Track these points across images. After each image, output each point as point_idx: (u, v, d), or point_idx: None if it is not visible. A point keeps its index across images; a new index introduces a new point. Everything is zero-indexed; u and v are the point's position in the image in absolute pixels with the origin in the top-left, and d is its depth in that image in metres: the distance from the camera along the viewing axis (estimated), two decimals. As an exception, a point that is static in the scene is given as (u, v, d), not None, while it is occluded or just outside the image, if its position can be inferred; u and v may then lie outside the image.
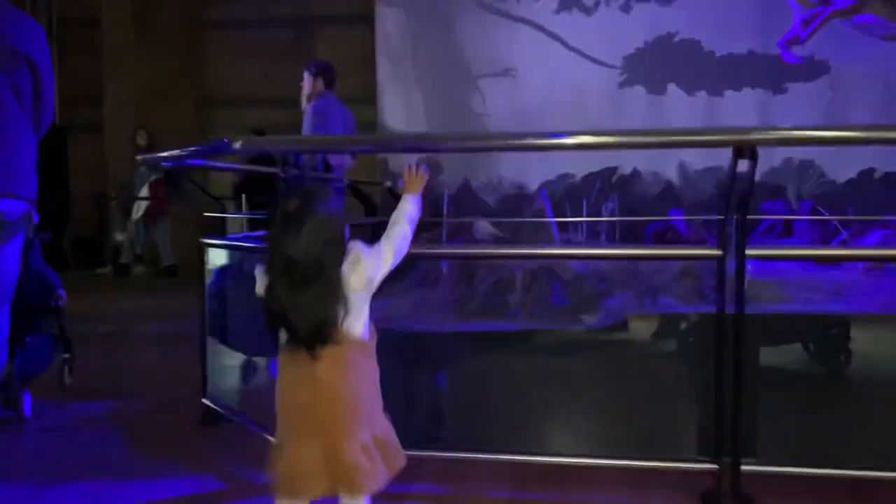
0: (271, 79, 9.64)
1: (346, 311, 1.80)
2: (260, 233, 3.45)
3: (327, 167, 5.91)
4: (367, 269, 1.85)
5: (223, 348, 3.64)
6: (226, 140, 2.69)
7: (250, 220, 4.95)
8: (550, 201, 5.71)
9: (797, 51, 4.98)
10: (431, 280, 4.02)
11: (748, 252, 2.54)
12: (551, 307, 3.68)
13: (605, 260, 3.72)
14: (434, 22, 9.48)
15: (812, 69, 8.30)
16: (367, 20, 9.75)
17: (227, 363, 3.73)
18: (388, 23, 9.60)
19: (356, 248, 1.86)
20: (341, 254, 1.83)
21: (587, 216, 6.91)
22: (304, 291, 1.76)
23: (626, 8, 9.02)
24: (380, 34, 9.61)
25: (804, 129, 2.46)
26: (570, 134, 2.40)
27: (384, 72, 9.61)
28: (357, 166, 6.66)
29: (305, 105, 5.81)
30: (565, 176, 8.85)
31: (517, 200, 8.68)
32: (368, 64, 9.64)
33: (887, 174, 8.25)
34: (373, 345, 1.92)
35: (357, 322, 1.85)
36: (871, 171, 8.33)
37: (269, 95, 9.57)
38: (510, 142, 2.65)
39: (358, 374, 1.87)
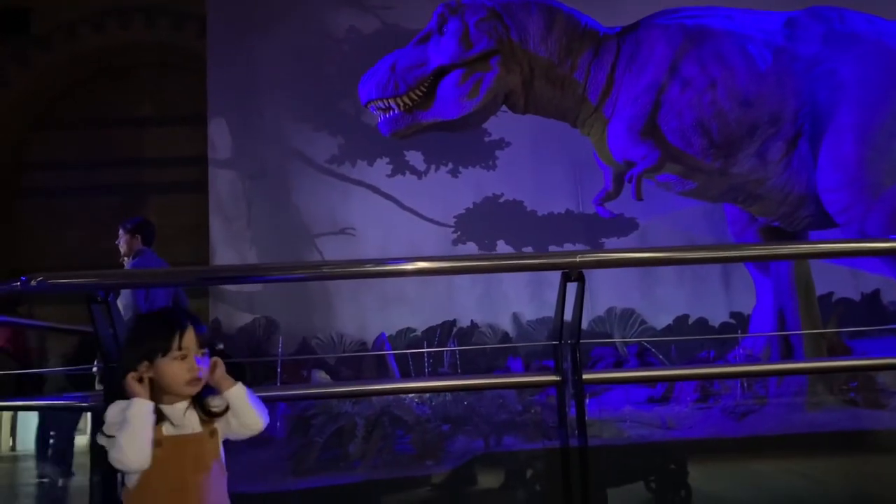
0: (99, 247, 9.13)
1: None
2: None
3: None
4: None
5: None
6: (23, 278, 2.40)
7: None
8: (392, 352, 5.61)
9: (611, 206, 5.42)
10: (262, 436, 3.70)
11: (585, 376, 2.55)
12: (395, 454, 3.47)
13: (445, 392, 3.62)
14: (269, 184, 9.56)
15: (623, 225, 9.14)
16: (198, 186, 9.65)
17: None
18: (222, 185, 9.56)
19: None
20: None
21: (428, 367, 6.85)
22: None
23: (454, 172, 9.60)
24: (213, 196, 9.51)
25: (627, 252, 2.58)
26: (408, 260, 2.37)
27: (217, 234, 9.43)
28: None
29: (126, 264, 5.51)
30: (406, 330, 8.86)
31: (357, 361, 8.50)
32: (201, 229, 9.44)
33: (699, 318, 8.98)
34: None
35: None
36: (686, 317, 9.05)
37: (95, 264, 8.99)
38: (348, 269, 2.55)
39: None
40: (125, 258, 5.60)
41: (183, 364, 1.92)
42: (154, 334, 1.94)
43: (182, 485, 1.89)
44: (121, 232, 5.63)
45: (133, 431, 1.83)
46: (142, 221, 5.78)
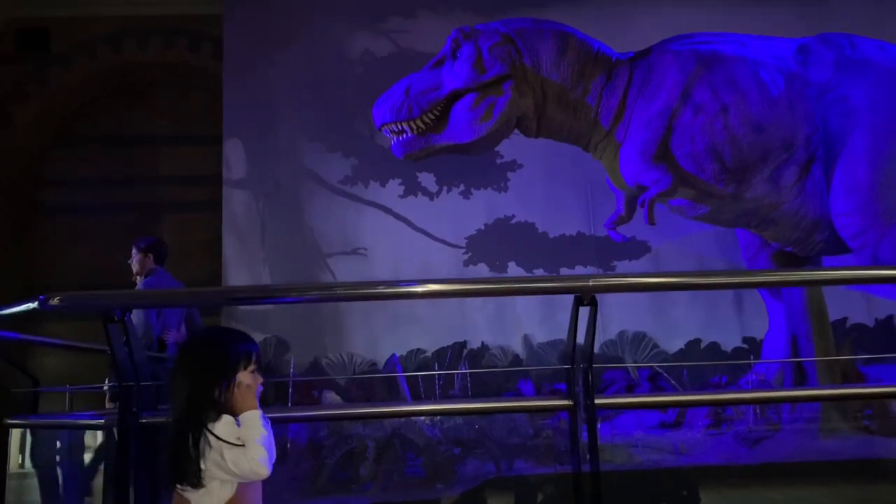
0: (114, 265, 9.21)
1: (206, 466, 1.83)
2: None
3: (162, 346, 5.55)
4: (234, 454, 1.85)
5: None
6: (41, 297, 2.43)
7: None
8: (403, 373, 5.61)
9: (623, 230, 5.43)
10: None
11: (598, 401, 2.55)
12: (405, 477, 3.46)
13: (456, 415, 3.62)
14: (282, 204, 9.62)
15: (635, 249, 9.13)
16: (213, 205, 9.73)
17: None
18: (236, 204, 9.64)
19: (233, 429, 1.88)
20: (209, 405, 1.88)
21: (439, 389, 6.85)
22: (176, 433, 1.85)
23: (466, 194, 9.63)
24: (226, 215, 9.58)
25: (640, 276, 2.59)
26: (419, 282, 2.39)
27: (230, 252, 9.49)
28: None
29: (138, 283, 5.55)
30: (417, 351, 8.86)
31: (368, 382, 8.50)
32: (214, 247, 9.50)
33: (711, 343, 8.92)
34: None
35: (223, 487, 1.86)
36: (698, 341, 9.00)
37: (108, 281, 9.07)
38: (360, 290, 2.58)
39: None
40: (137, 277, 5.64)
41: (256, 377, 1.99)
42: (239, 347, 1.98)
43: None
44: (133, 251, 5.67)
45: (270, 439, 1.89)
46: (155, 241, 5.82)
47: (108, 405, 4.97)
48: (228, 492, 1.87)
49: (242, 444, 1.85)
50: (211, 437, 1.86)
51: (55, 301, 2.40)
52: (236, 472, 1.84)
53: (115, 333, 2.48)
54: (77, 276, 9.74)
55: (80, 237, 10.19)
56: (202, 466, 1.84)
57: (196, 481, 1.84)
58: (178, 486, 1.88)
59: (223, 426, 1.88)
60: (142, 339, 4.19)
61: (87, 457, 4.95)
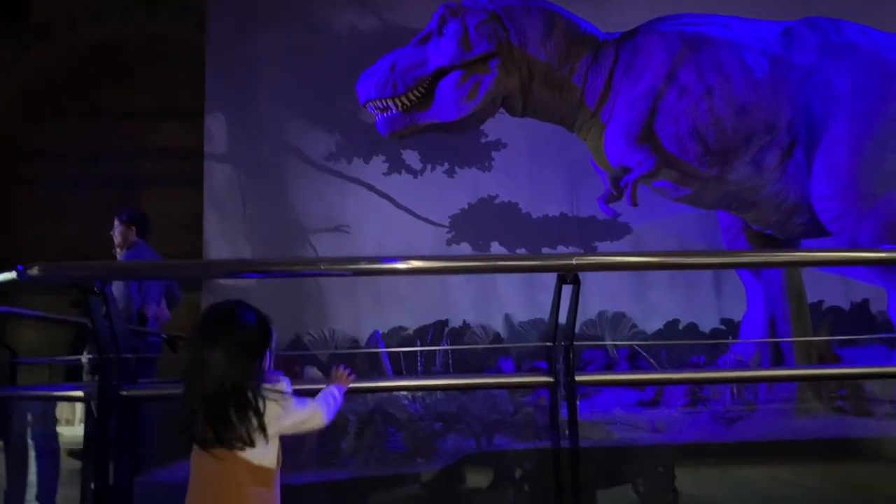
0: (95, 239, 9.11)
1: (256, 428, 1.97)
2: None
3: (142, 319, 5.52)
4: (284, 415, 2.06)
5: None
6: (20, 267, 2.41)
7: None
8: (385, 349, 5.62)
9: (615, 206, 5.44)
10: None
11: (578, 378, 2.58)
12: (386, 451, 3.49)
13: (438, 390, 3.64)
14: (265, 179, 9.56)
15: (617, 229, 9.19)
16: (194, 180, 9.64)
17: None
18: (218, 179, 9.56)
19: (284, 388, 2.08)
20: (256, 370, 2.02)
21: (421, 366, 6.89)
22: (218, 399, 1.95)
23: (450, 172, 9.62)
24: (208, 190, 9.51)
25: (624, 255, 2.61)
26: (402, 258, 2.39)
27: (211, 228, 9.43)
28: (174, 320, 6.25)
29: (119, 255, 5.51)
30: (399, 328, 8.89)
31: (350, 358, 8.52)
32: (195, 222, 9.43)
33: (689, 324, 9.02)
34: (276, 479, 2.10)
35: (266, 450, 2.03)
36: (676, 321, 9.09)
37: (89, 255, 8.97)
38: (343, 266, 2.58)
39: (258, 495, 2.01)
40: (119, 249, 5.60)
41: None
42: (268, 319, 2.16)
43: None
44: (116, 223, 5.62)
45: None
46: (138, 214, 5.77)
47: (84, 377, 4.94)
48: (276, 444, 2.09)
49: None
50: (271, 398, 2.02)
51: (34, 271, 2.38)
52: (300, 424, 2.13)
53: (95, 305, 2.47)
54: (57, 250, 9.64)
55: (61, 211, 10.07)
56: (253, 425, 1.98)
57: (247, 441, 1.99)
58: (210, 448, 1.99)
59: (283, 385, 2.09)
60: (122, 313, 4.16)
61: (65, 430, 4.92)
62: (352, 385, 2.43)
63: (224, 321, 2.05)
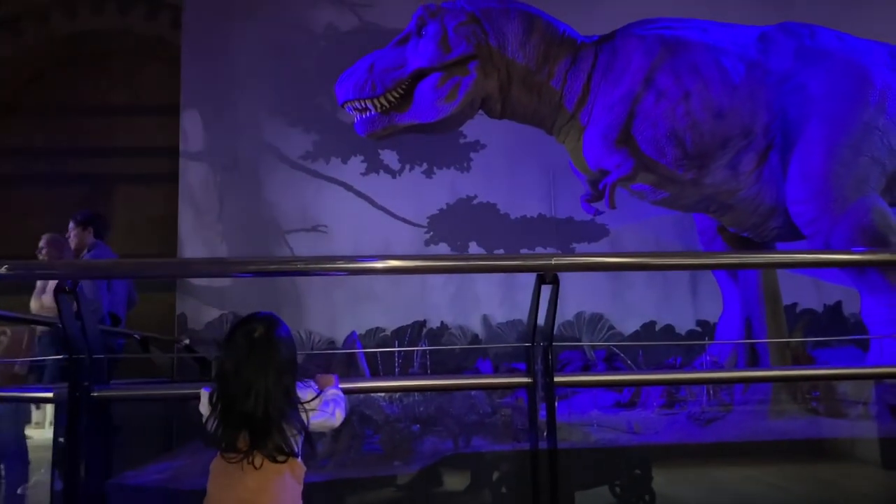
0: (63, 238, 8.93)
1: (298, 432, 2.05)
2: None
3: (115, 320, 5.44)
4: (316, 416, 2.13)
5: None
6: (-12, 266, 2.35)
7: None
8: (363, 350, 5.59)
9: (586, 209, 5.47)
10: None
11: (557, 379, 2.57)
12: (363, 454, 3.46)
13: (416, 391, 3.62)
14: (241, 178, 9.46)
15: (594, 231, 9.23)
16: (169, 178, 9.51)
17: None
18: (193, 177, 9.44)
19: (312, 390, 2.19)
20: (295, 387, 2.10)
21: (398, 367, 6.86)
22: (265, 421, 1.99)
23: (428, 173, 9.59)
24: (183, 188, 9.38)
25: (602, 256, 2.61)
26: (380, 258, 2.37)
27: (186, 226, 9.30)
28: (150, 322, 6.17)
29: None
30: (376, 329, 8.84)
31: (327, 359, 8.45)
32: (170, 221, 9.30)
33: (666, 325, 9.09)
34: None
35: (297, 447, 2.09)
36: (653, 323, 9.15)
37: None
38: (320, 265, 2.54)
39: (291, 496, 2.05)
40: (77, 253, 5.45)
41: None
42: None
43: None
44: (71, 225, 5.48)
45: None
46: (93, 214, 5.66)
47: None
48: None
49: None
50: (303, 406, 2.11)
51: (3, 270, 2.32)
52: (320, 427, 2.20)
53: (65, 304, 2.41)
54: (23, 250, 9.45)
55: (32, 209, 9.88)
56: (298, 439, 2.07)
57: (292, 452, 2.04)
58: (246, 454, 2.01)
59: (309, 394, 2.18)
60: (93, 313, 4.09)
61: (34, 431, 4.81)
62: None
63: (266, 342, 2.08)
